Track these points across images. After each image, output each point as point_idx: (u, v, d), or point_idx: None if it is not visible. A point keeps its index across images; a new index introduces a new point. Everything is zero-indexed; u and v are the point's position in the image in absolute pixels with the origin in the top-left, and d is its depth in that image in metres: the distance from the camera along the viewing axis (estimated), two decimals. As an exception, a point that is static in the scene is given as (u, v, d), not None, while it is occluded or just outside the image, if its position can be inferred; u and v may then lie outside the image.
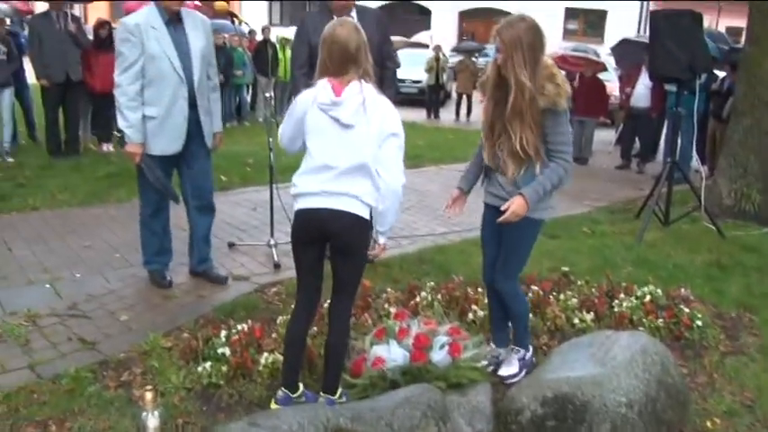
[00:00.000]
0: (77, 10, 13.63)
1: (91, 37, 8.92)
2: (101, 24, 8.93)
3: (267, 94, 5.32)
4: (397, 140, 2.85)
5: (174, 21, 4.12)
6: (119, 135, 4.23)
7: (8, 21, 9.11)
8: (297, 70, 4.68)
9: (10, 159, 8.14)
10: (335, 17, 4.61)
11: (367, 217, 2.85)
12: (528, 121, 3.05)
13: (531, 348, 3.60)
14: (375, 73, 4.66)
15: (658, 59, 6.31)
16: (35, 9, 12.75)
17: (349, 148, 2.79)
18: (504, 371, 3.49)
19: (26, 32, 10.79)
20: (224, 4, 4.44)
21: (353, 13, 4.71)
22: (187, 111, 4.18)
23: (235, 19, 4.51)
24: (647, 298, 4.28)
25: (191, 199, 4.45)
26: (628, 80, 10.24)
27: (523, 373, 3.48)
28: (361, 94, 2.79)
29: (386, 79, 4.83)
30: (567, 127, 3.15)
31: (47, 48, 8.06)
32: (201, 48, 4.21)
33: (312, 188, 2.82)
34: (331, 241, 2.89)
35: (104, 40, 8.81)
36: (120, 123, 4.13)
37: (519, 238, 3.35)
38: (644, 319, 4.09)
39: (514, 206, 3.11)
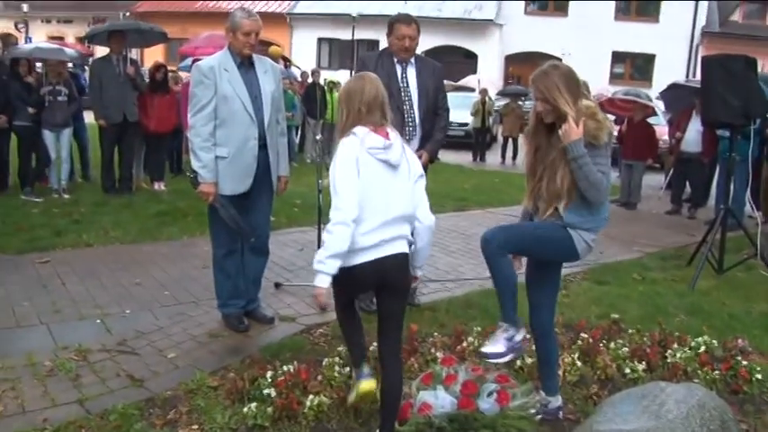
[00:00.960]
0: (134, 53, 14.13)
1: (147, 79, 9.21)
2: (157, 68, 9.23)
3: (317, 137, 5.38)
4: (424, 181, 3.13)
5: (245, 64, 4.25)
6: (191, 176, 4.27)
7: (70, 64, 9.46)
8: None
9: (66, 196, 8.39)
10: (396, 61, 4.73)
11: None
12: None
13: (522, 332, 3.24)
14: (429, 119, 4.77)
15: (711, 105, 6.21)
16: (96, 52, 13.23)
17: (398, 192, 2.93)
18: (487, 348, 3.20)
19: (86, 74, 11.23)
20: (278, 48, 4.56)
21: (413, 60, 4.79)
22: (257, 151, 4.25)
23: (288, 63, 4.60)
24: (702, 349, 4.16)
25: (246, 240, 4.48)
26: (678, 125, 10.08)
27: (509, 357, 3.21)
28: (399, 138, 2.99)
29: (437, 125, 4.90)
30: (607, 160, 3.13)
31: (106, 90, 8.35)
32: (272, 91, 4.31)
33: (370, 241, 2.85)
34: (388, 284, 2.97)
35: (160, 83, 9.10)
36: (194, 164, 4.21)
37: (543, 229, 3.22)
38: (699, 371, 3.96)
39: (569, 126, 3.03)
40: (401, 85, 4.75)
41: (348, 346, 3.30)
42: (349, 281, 2.92)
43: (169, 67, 10.40)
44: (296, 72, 13.07)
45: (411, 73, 4.80)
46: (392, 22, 4.79)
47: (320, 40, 30.94)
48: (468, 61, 27.95)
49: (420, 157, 4.68)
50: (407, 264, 2.99)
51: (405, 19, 4.78)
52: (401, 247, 2.93)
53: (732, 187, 7.38)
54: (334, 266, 2.80)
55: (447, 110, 5.04)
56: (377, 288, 3.03)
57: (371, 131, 2.90)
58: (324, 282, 2.82)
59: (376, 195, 2.86)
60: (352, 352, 3.27)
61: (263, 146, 4.27)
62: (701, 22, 27.28)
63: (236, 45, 4.18)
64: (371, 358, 3.39)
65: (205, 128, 4.14)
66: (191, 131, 4.20)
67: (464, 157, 14.69)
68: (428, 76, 4.86)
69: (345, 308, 3.19)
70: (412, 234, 3.02)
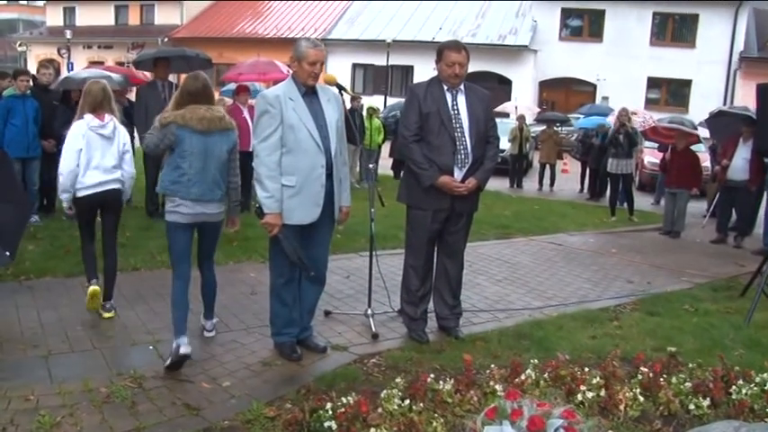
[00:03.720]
0: (172, 77, 14.30)
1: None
2: (201, 93, 9.32)
3: (370, 165, 5.36)
4: (130, 150, 5.33)
5: (309, 93, 4.25)
6: (256, 206, 4.26)
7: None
8: (410, 136, 4.70)
9: (110, 219, 8.47)
10: (446, 89, 4.72)
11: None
12: None
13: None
14: (480, 147, 4.71)
15: (767, 133, 6.09)
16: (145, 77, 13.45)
17: (110, 153, 5.00)
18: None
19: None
20: (332, 75, 4.56)
21: (462, 87, 4.76)
22: (324, 180, 4.22)
23: (342, 91, 4.61)
24: (768, 385, 4.01)
25: (306, 274, 4.42)
26: (724, 152, 9.92)
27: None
28: (113, 120, 5.02)
29: (488, 153, 4.85)
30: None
31: (151, 114, 8.38)
32: (336, 120, 4.30)
33: (93, 181, 4.93)
34: (107, 206, 5.11)
35: (204, 108, 9.19)
36: (260, 194, 4.16)
37: None
38: (767, 409, 3.81)
39: None
40: (452, 112, 4.70)
41: (84, 257, 5.28)
42: (81, 206, 4.98)
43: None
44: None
45: (461, 100, 4.76)
46: (441, 49, 4.77)
47: (355, 66, 31.28)
48: (502, 87, 27.96)
49: (469, 184, 4.67)
50: (120, 195, 5.10)
51: (454, 45, 4.77)
52: (114, 185, 5.00)
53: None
54: (68, 197, 4.91)
55: (497, 138, 5.00)
56: (100, 209, 5.10)
57: (94, 117, 4.87)
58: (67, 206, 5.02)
59: (96, 154, 4.88)
60: (86, 263, 5.25)
61: (329, 175, 4.25)
62: (739, 47, 27.00)
63: (301, 74, 4.19)
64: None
65: (270, 157, 4.12)
66: (255, 161, 4.18)
67: (501, 184, 14.59)
68: (478, 104, 4.82)
69: (84, 227, 5.20)
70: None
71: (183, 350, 4.10)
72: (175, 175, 4.27)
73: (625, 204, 11.62)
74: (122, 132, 5.03)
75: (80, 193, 4.88)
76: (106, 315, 5.02)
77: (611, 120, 15.54)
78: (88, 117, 4.85)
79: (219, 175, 4.37)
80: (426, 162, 4.63)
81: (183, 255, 4.43)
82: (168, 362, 4.13)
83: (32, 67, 24.10)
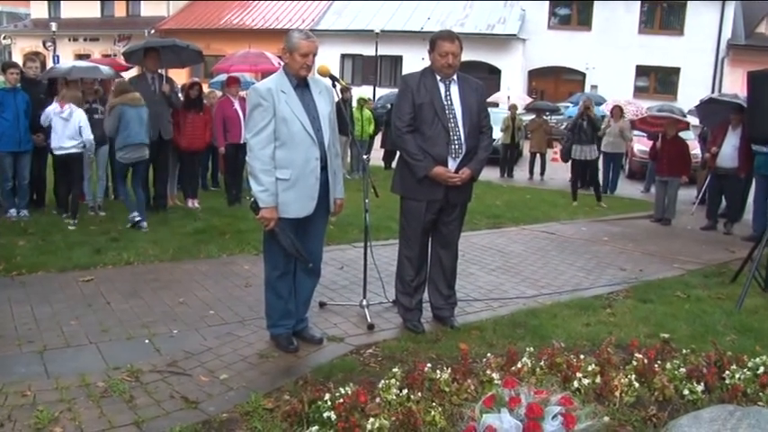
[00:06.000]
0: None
1: (181, 96, 9.26)
2: (192, 85, 9.28)
3: (364, 156, 5.36)
4: (87, 125, 7.65)
5: (301, 86, 4.23)
6: (251, 200, 4.23)
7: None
8: (403, 127, 4.68)
9: (102, 213, 8.44)
10: (438, 79, 4.72)
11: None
12: None
13: None
14: (473, 137, 4.71)
15: (759, 120, 6.11)
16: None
17: (69, 128, 7.53)
18: None
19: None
20: (326, 67, 4.54)
21: (455, 78, 4.76)
22: (319, 172, 4.21)
23: (336, 82, 4.60)
24: (761, 370, 4.04)
25: (304, 266, 4.42)
26: (714, 139, 9.97)
27: None
28: (71, 106, 7.53)
29: (481, 143, 4.85)
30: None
31: (142, 107, 8.38)
32: (329, 112, 4.29)
33: (60, 149, 7.66)
34: (69, 166, 7.76)
35: (194, 101, 9.15)
36: (254, 188, 4.13)
37: None
38: (761, 393, 3.85)
39: None
40: (445, 103, 4.69)
41: (57, 198, 8.30)
42: (59, 165, 7.86)
43: (204, 86, 10.44)
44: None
45: (454, 91, 4.75)
46: (434, 39, 4.75)
47: (343, 56, 31.14)
48: (491, 76, 27.93)
49: (463, 174, 4.68)
50: (82, 156, 7.73)
51: (447, 35, 4.75)
52: (76, 150, 7.60)
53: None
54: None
55: (490, 128, 5.00)
56: (64, 168, 7.82)
57: (57, 104, 7.43)
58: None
59: (58, 128, 7.47)
60: (59, 198, 8.26)
61: (323, 167, 4.24)
62: (727, 34, 27.09)
63: (293, 66, 4.16)
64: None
65: (263, 151, 4.09)
66: (249, 155, 4.15)
67: (492, 173, 14.58)
68: (471, 94, 4.82)
69: (60, 177, 8.11)
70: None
71: (143, 224, 7.68)
72: (125, 134, 7.55)
73: (592, 189, 12.03)
74: (77, 113, 7.57)
75: (55, 152, 7.76)
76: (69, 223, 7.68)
77: (603, 109, 15.63)
78: (54, 105, 7.55)
79: (144, 131, 7.69)
80: (420, 153, 4.63)
81: (124, 178, 7.93)
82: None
83: (17, 60, 23.88)
